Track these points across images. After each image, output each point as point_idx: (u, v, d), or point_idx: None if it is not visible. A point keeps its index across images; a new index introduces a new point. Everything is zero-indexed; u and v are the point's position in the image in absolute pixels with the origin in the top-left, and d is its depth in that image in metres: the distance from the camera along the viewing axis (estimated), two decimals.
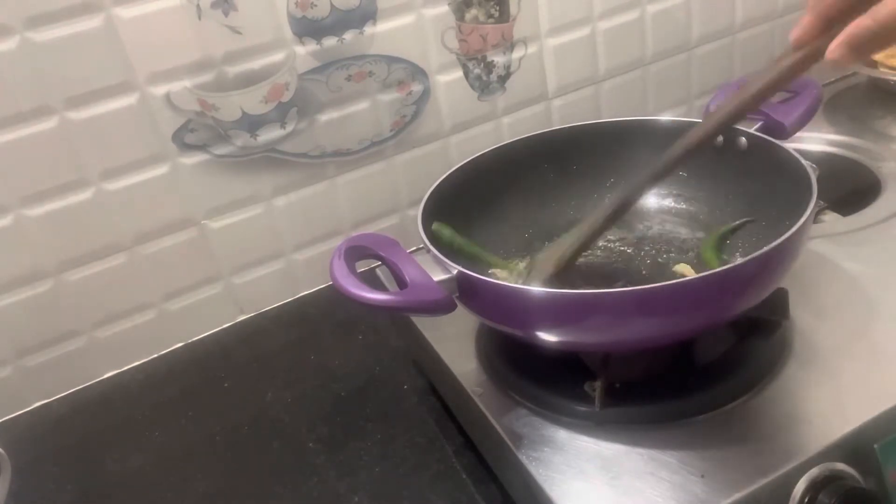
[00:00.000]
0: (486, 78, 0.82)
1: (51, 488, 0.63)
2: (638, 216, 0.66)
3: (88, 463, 0.66)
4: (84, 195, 0.69)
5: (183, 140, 0.71)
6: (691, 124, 0.63)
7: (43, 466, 0.66)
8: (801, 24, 0.44)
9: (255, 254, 0.79)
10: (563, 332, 0.48)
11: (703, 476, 0.44)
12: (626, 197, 0.57)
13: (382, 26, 0.75)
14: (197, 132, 0.71)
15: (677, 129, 0.64)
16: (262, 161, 0.75)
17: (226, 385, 0.72)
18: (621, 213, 0.58)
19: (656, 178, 0.56)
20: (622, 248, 0.64)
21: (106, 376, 0.76)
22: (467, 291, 0.49)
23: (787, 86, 0.51)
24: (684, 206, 0.66)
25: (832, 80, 0.96)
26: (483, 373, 0.55)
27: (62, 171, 0.67)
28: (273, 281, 0.81)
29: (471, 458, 0.58)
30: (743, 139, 0.60)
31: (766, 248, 0.45)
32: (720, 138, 0.62)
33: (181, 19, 0.67)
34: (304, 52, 0.73)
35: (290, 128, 0.75)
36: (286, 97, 0.74)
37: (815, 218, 0.69)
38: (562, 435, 0.49)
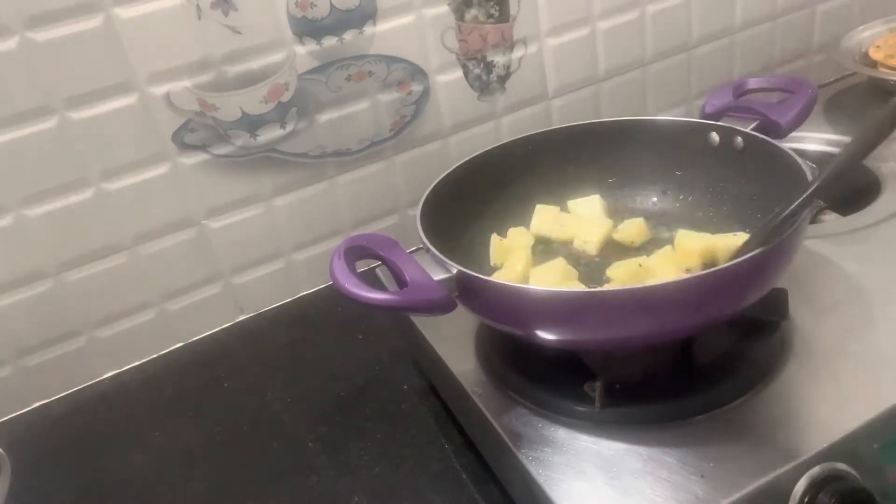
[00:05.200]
0: (485, 78, 0.82)
1: (51, 488, 0.63)
2: (634, 214, 0.66)
3: (88, 463, 0.66)
4: (84, 195, 0.69)
5: (183, 140, 0.71)
6: (691, 124, 0.64)
7: (43, 466, 0.66)
8: None
9: (255, 254, 0.79)
10: (562, 330, 0.48)
11: (702, 476, 0.44)
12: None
13: (382, 26, 0.75)
14: (197, 132, 0.71)
15: (677, 129, 0.65)
16: (262, 161, 0.75)
17: (226, 385, 0.72)
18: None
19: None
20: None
21: (106, 376, 0.76)
22: (467, 291, 0.49)
23: None
24: (680, 206, 0.65)
25: (832, 80, 0.96)
26: (482, 373, 0.55)
27: (62, 171, 0.67)
28: (273, 281, 0.81)
29: (471, 458, 0.58)
30: (739, 139, 0.60)
31: (763, 248, 0.45)
32: (717, 137, 0.62)
33: (181, 19, 0.67)
34: (303, 52, 0.73)
35: (289, 128, 0.75)
36: (286, 97, 0.74)
37: (815, 218, 0.69)
38: (562, 435, 0.49)
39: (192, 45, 0.68)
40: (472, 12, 0.79)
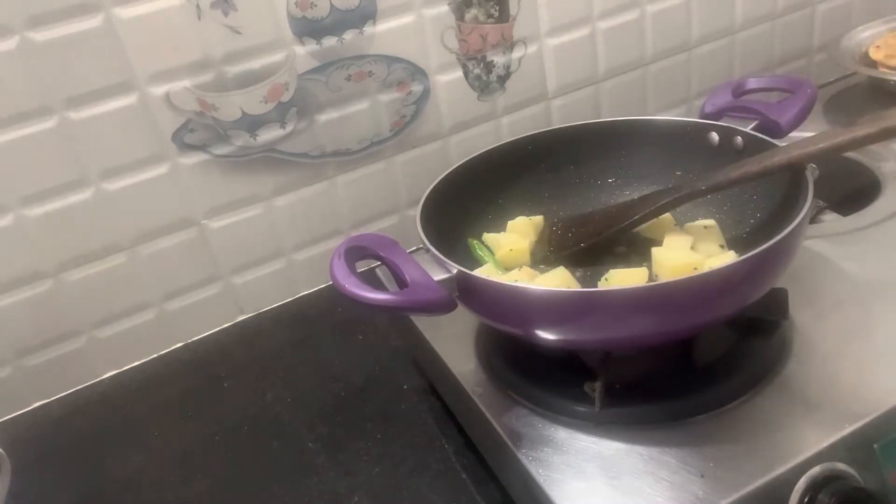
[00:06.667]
0: (485, 78, 0.82)
1: (51, 488, 0.63)
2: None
3: (88, 463, 0.66)
4: (84, 195, 0.69)
5: (183, 140, 0.71)
6: (691, 124, 0.64)
7: (43, 466, 0.66)
8: None
9: (255, 254, 0.79)
10: (562, 330, 0.48)
11: (702, 476, 0.44)
12: (666, 203, 0.58)
13: (382, 26, 0.75)
14: (197, 132, 0.71)
15: (677, 129, 0.65)
16: (262, 161, 0.75)
17: (226, 385, 0.72)
18: (656, 215, 0.59)
19: (709, 192, 0.57)
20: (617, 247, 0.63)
21: (106, 376, 0.76)
22: (467, 291, 0.49)
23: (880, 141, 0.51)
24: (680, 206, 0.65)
25: (832, 80, 0.96)
26: (483, 372, 0.55)
27: (62, 171, 0.67)
28: (273, 281, 0.81)
29: (471, 458, 0.58)
30: (739, 138, 0.60)
31: (761, 248, 0.45)
32: (716, 137, 0.62)
33: (181, 19, 0.67)
34: (303, 52, 0.73)
35: (289, 128, 0.75)
36: (286, 97, 0.74)
37: (815, 218, 0.69)
38: (562, 435, 0.49)
39: (192, 45, 0.68)
40: (472, 12, 0.79)
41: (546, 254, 0.63)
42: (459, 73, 0.81)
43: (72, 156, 0.67)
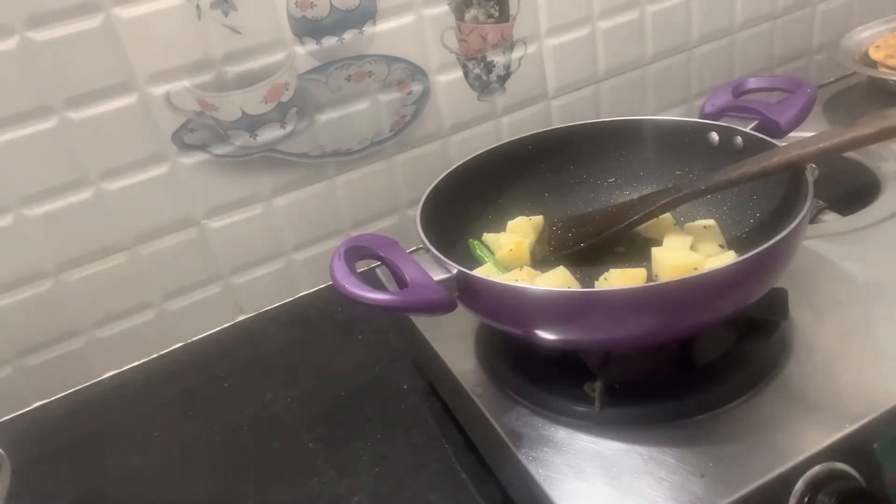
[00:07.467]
0: (485, 78, 0.82)
1: (51, 488, 0.63)
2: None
3: (88, 463, 0.66)
4: (84, 195, 0.69)
5: (182, 140, 0.71)
6: (691, 124, 0.64)
7: (43, 466, 0.66)
8: None
9: (255, 254, 0.79)
10: (562, 330, 0.48)
11: (702, 476, 0.44)
12: (666, 203, 0.58)
13: (382, 26, 0.75)
14: (196, 132, 0.71)
15: (677, 129, 0.65)
16: (262, 161, 0.75)
17: (226, 385, 0.72)
18: (656, 215, 0.59)
19: (708, 192, 0.57)
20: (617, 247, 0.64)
21: (106, 376, 0.76)
22: (467, 291, 0.49)
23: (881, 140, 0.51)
24: (680, 206, 0.65)
25: (832, 79, 0.96)
26: (483, 372, 0.55)
27: (62, 171, 0.67)
28: (273, 281, 0.81)
29: (471, 458, 0.58)
30: (739, 138, 0.60)
31: (761, 248, 0.45)
32: (716, 137, 0.62)
33: (181, 19, 0.67)
34: (303, 52, 0.73)
35: (289, 128, 0.75)
36: (286, 97, 0.74)
37: (815, 218, 0.69)
38: (561, 435, 0.49)
39: (192, 45, 0.68)
40: (472, 12, 0.79)
41: (546, 254, 0.63)
42: (459, 73, 0.81)
43: (72, 156, 0.67)
